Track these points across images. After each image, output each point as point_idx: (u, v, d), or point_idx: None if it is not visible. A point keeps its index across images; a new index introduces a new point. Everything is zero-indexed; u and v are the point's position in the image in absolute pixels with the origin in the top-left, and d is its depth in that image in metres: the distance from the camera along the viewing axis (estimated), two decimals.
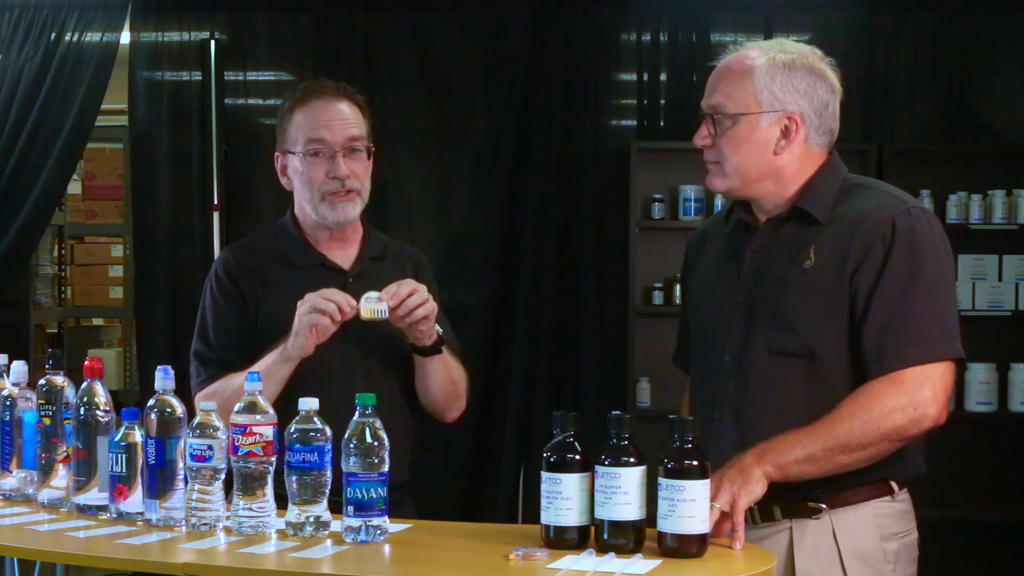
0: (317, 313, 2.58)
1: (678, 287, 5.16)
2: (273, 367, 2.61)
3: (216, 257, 2.91)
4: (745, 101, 2.39)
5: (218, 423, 2.23)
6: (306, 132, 2.76)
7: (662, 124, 5.35)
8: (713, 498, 2.10)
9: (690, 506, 2.02)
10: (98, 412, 2.40)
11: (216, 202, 5.25)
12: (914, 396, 2.25)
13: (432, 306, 2.65)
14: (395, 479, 2.28)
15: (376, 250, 2.88)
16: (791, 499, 2.34)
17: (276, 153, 2.85)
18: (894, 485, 2.39)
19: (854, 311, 2.31)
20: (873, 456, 2.27)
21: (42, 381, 2.51)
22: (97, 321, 7.70)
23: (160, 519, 2.26)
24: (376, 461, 2.13)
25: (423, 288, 2.65)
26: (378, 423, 2.16)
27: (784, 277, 2.36)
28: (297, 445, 2.17)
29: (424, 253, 3.03)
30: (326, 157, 2.75)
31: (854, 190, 2.42)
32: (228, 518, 2.24)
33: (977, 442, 5.16)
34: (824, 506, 2.35)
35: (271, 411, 2.24)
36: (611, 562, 1.99)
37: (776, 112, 2.39)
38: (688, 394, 2.65)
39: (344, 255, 2.84)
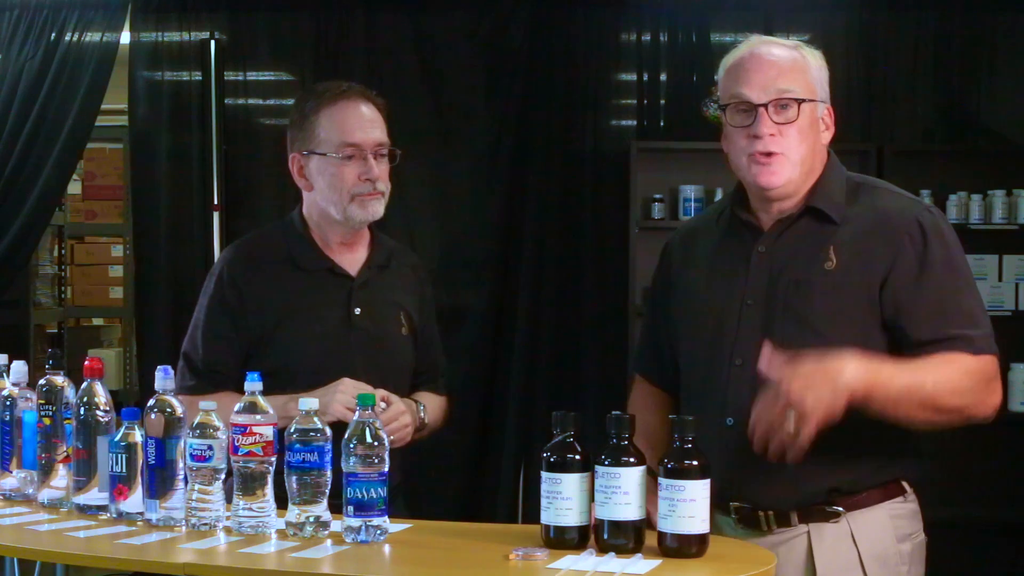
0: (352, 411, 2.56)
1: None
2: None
3: (219, 255, 2.88)
4: (810, 88, 2.36)
5: (218, 423, 2.23)
6: (340, 135, 2.75)
7: (662, 124, 5.35)
8: (784, 388, 2.08)
9: (690, 506, 2.02)
10: (98, 412, 2.40)
11: (216, 202, 5.25)
12: (990, 384, 2.26)
13: (405, 436, 2.70)
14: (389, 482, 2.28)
15: (383, 258, 2.88)
16: (808, 503, 2.32)
17: (292, 154, 2.82)
18: (905, 485, 2.38)
19: (885, 310, 2.29)
20: (932, 423, 2.23)
21: (42, 381, 2.51)
22: (97, 321, 7.71)
23: (160, 519, 2.27)
24: (376, 461, 2.13)
25: (409, 423, 2.71)
26: (378, 423, 2.16)
27: (805, 279, 2.32)
28: (297, 445, 2.17)
29: (422, 262, 3.07)
30: (358, 160, 2.75)
31: (862, 189, 2.41)
32: (228, 518, 2.24)
33: (977, 442, 5.14)
34: (841, 509, 2.32)
35: (271, 411, 2.24)
36: (611, 562, 1.99)
37: (824, 103, 2.39)
38: (637, 409, 2.54)
39: (352, 260, 2.84)
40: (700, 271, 2.50)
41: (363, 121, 2.77)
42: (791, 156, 2.34)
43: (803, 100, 2.33)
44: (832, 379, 2.13)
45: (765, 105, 2.32)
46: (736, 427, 2.33)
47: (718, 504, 2.36)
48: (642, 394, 2.63)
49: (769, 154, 2.33)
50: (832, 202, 2.36)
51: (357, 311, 2.78)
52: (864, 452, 2.32)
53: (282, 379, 2.59)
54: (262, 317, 2.75)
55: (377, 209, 2.78)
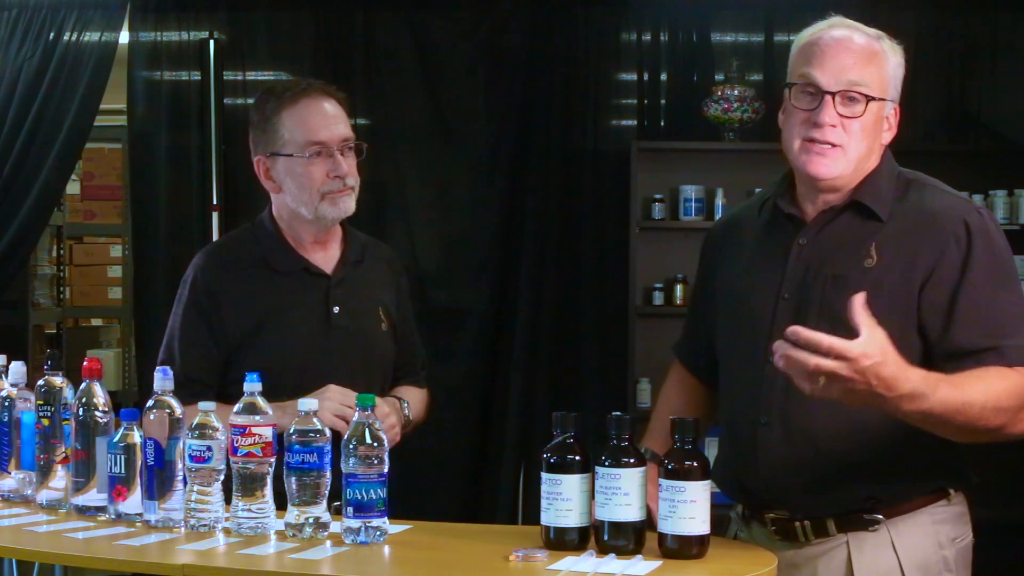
0: (340, 419, 2.55)
1: (678, 288, 5.17)
2: None
3: (192, 262, 2.83)
4: (883, 84, 2.27)
5: (217, 424, 2.23)
6: (304, 134, 2.73)
7: (662, 124, 5.34)
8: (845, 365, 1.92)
9: (691, 507, 2.01)
10: (97, 413, 2.39)
11: (216, 202, 5.24)
12: None
13: (394, 437, 2.63)
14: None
15: (357, 253, 2.86)
16: (846, 511, 2.24)
17: (257, 157, 2.80)
18: (950, 489, 2.30)
19: (922, 313, 2.19)
20: (964, 440, 2.16)
21: (41, 382, 2.50)
22: (96, 322, 7.71)
23: (159, 520, 2.26)
24: (376, 462, 2.13)
25: (396, 423, 2.68)
26: (377, 424, 2.15)
27: (842, 275, 2.22)
28: (296, 446, 2.16)
29: (396, 253, 3.05)
30: (325, 157, 2.73)
31: (912, 186, 2.32)
32: (227, 519, 2.24)
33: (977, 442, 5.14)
34: (881, 517, 2.24)
35: (270, 412, 2.23)
36: (611, 563, 1.99)
37: (893, 102, 2.30)
38: (669, 391, 2.57)
39: (326, 258, 2.82)
40: (740, 264, 2.41)
41: (327, 118, 2.75)
42: (848, 151, 2.24)
43: (873, 98, 2.24)
44: (882, 393, 1.99)
45: (833, 94, 2.22)
46: (770, 426, 2.25)
47: (754, 516, 2.33)
48: (677, 379, 2.59)
49: (825, 144, 2.23)
50: (878, 198, 2.27)
51: (336, 310, 2.76)
52: (903, 465, 2.24)
53: (264, 384, 2.54)
54: (240, 322, 2.72)
55: (349, 205, 2.76)
